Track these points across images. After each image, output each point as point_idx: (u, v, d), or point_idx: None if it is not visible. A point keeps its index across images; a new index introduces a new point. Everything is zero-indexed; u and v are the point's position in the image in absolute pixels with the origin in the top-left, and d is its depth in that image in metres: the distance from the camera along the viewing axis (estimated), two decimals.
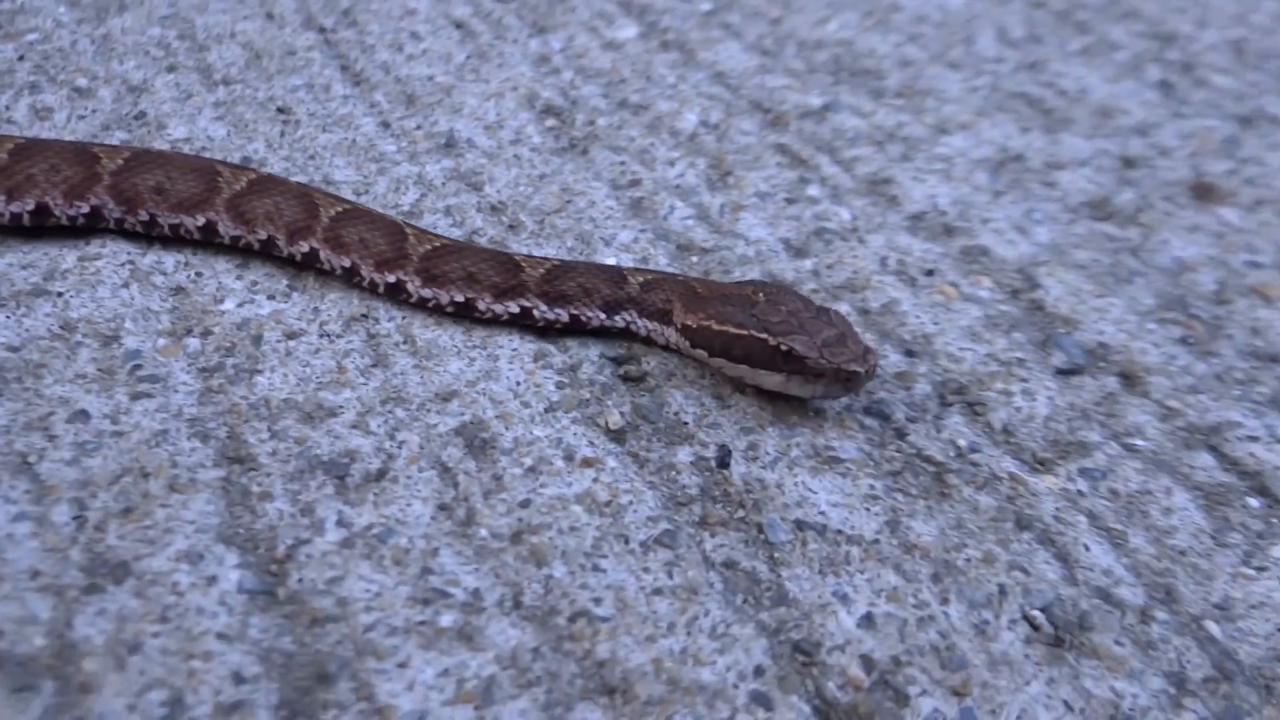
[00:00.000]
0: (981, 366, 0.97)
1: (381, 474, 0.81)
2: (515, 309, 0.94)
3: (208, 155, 1.14)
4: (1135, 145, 1.33)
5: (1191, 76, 1.50)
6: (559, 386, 0.90)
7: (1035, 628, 0.74)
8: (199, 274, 0.98)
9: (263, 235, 0.97)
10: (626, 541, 0.77)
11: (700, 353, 0.89)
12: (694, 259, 1.07)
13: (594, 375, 0.92)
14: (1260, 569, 0.80)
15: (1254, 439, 0.91)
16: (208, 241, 1.00)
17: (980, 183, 1.23)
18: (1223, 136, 1.35)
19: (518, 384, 0.90)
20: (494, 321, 0.95)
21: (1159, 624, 0.75)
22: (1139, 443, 0.90)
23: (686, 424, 0.88)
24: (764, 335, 0.85)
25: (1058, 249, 1.13)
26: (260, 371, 0.89)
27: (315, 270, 0.99)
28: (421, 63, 1.38)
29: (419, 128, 1.24)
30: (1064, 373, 0.97)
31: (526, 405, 0.88)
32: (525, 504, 0.79)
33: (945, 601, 0.75)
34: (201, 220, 0.98)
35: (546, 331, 0.95)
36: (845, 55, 1.49)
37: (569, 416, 0.87)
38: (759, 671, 0.70)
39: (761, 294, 0.89)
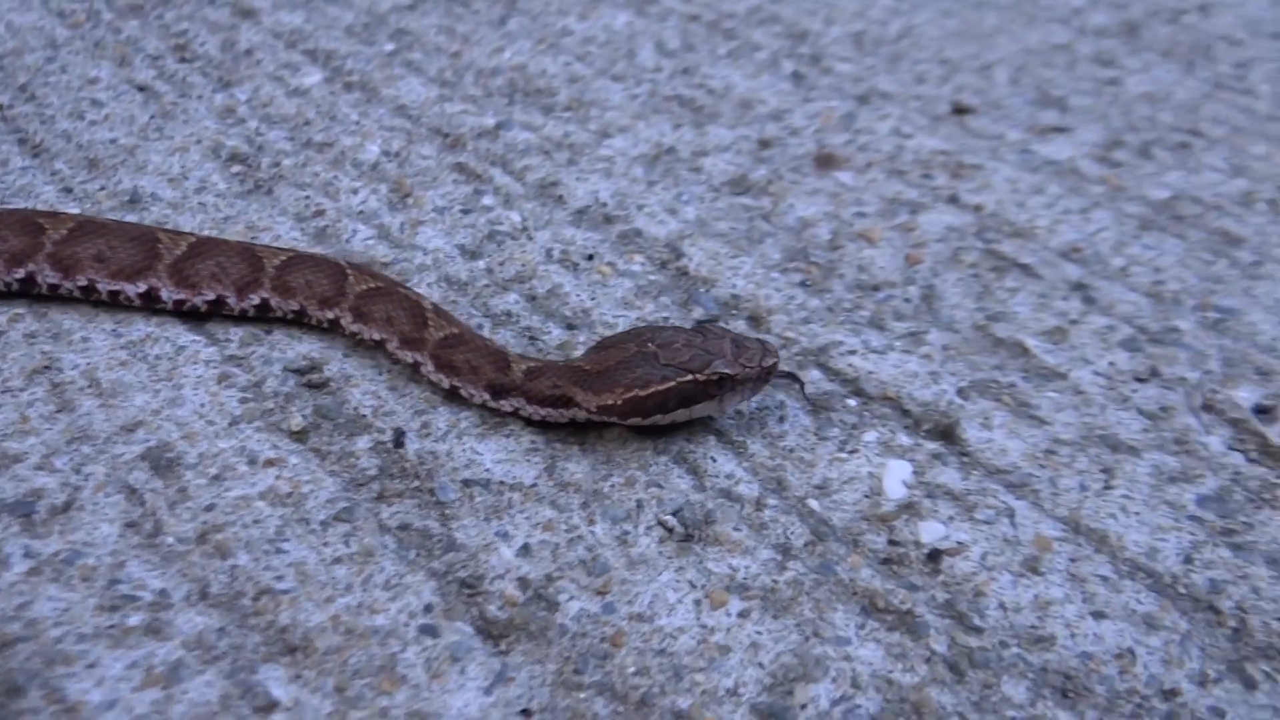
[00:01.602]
0: None
1: (68, 505, 0.86)
2: (411, 360, 1.00)
3: None
4: (770, 129, 1.53)
5: (819, 66, 1.73)
6: (242, 402, 0.97)
7: (669, 530, 0.88)
8: None
9: (210, 296, 1.05)
10: (308, 524, 0.86)
11: (634, 420, 0.93)
12: None
13: (277, 387, 1.00)
14: (852, 452, 0.97)
15: (853, 352, 1.09)
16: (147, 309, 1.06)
17: (637, 176, 1.39)
18: (842, 114, 1.58)
19: (202, 405, 0.97)
20: (412, 369, 1.01)
21: (770, 509, 0.91)
22: None
23: (365, 416, 0.97)
24: (690, 377, 0.91)
25: (702, 223, 1.30)
26: None
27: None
28: (104, 128, 1.41)
29: (102, 189, 1.28)
30: (702, 323, 1.12)
31: (211, 423, 0.95)
32: (210, 508, 0.86)
33: (592, 523, 0.88)
34: (143, 287, 1.04)
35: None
36: (519, 79, 1.63)
37: (252, 426, 0.95)
38: (428, 609, 0.80)
39: (649, 343, 0.94)
